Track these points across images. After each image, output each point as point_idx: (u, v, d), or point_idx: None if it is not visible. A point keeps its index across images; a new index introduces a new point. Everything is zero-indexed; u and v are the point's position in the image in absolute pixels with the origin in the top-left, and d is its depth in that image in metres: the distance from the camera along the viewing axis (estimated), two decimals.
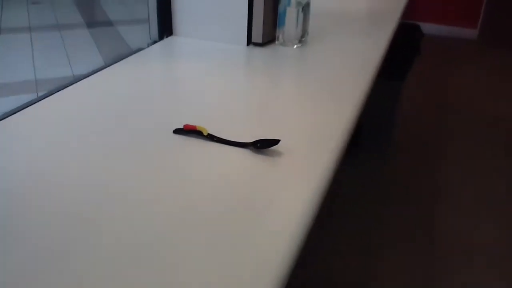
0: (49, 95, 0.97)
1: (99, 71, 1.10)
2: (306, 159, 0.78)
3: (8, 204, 0.64)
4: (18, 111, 0.90)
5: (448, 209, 2.33)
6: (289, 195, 0.68)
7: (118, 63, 1.16)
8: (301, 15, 1.31)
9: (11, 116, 0.88)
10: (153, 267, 0.54)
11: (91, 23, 4.59)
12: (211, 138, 0.82)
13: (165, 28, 1.34)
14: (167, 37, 1.35)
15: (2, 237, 0.57)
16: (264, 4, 1.26)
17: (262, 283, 0.52)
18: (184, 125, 0.83)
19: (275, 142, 0.79)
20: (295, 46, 1.33)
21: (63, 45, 3.95)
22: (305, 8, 1.32)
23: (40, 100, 0.95)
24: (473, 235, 2.14)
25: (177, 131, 0.84)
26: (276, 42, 1.35)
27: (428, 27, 5.17)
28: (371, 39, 1.46)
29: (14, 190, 0.67)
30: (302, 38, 1.34)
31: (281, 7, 1.31)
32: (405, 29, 2.83)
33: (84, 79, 1.06)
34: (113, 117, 0.90)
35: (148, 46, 1.29)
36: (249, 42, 1.30)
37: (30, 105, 0.93)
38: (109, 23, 4.59)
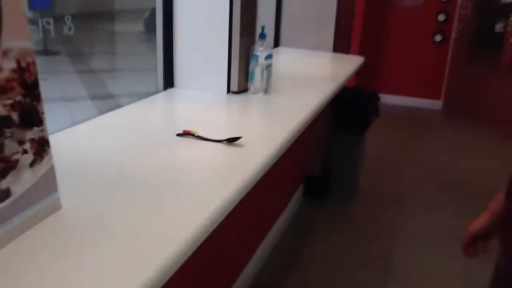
0: (102, 115, 1.48)
1: (125, 105, 1.62)
2: (256, 148, 1.28)
3: (110, 169, 1.12)
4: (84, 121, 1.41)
5: (407, 245, 2.79)
6: (245, 167, 1.17)
7: (137, 102, 1.68)
8: (265, 73, 1.86)
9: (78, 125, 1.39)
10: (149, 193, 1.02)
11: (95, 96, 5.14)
12: (200, 138, 1.32)
13: (168, 82, 1.88)
14: (170, 88, 1.89)
15: (117, 178, 1.06)
16: (239, 65, 1.82)
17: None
18: (183, 130, 1.34)
19: (238, 138, 1.29)
20: (261, 94, 1.87)
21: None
22: (268, 68, 1.87)
23: (98, 116, 1.46)
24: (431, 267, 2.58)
25: (179, 135, 1.34)
26: (248, 91, 1.89)
27: (395, 99, 5.84)
28: (315, 91, 2.01)
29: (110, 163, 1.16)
30: (266, 89, 1.89)
31: (251, 67, 1.86)
32: (364, 94, 3.42)
33: (122, 108, 1.57)
34: (141, 127, 1.40)
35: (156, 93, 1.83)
36: (228, 91, 1.84)
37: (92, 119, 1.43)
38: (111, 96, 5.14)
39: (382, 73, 5.85)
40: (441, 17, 5.54)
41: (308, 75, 2.40)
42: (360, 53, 4.11)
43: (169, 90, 1.87)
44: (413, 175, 3.75)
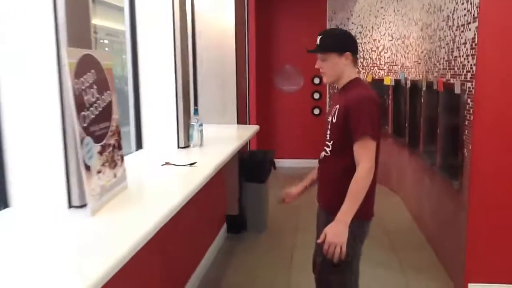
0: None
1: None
2: (202, 164, 2.46)
3: None
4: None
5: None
6: (196, 174, 2.35)
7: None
8: (199, 134, 3.09)
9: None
10: None
11: None
12: (174, 164, 2.48)
13: (139, 144, 3.02)
14: (140, 149, 3.03)
15: None
16: (183, 131, 3.02)
17: None
18: (165, 162, 2.50)
19: (195, 162, 2.47)
20: (197, 147, 3.08)
21: None
22: (201, 132, 3.10)
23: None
24: None
25: (162, 164, 2.49)
26: (190, 145, 3.09)
27: (288, 162, 7.25)
28: (229, 144, 3.26)
29: None
30: (200, 144, 3.10)
31: (190, 131, 3.08)
32: (263, 152, 4.74)
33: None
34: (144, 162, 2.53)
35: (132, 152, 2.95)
36: (178, 146, 3.03)
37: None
38: None
39: (276, 140, 7.31)
40: (316, 96, 7.24)
41: (223, 137, 3.67)
42: (257, 123, 5.49)
43: (140, 150, 3.01)
44: (307, 211, 5.04)
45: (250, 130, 4.21)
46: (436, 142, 3.84)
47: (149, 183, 2.23)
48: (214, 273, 3.57)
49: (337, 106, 2.14)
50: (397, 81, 5.48)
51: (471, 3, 3.01)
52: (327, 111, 2.37)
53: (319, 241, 2.01)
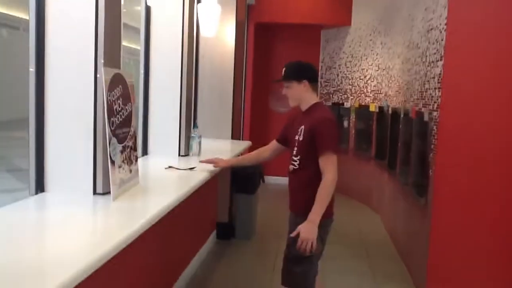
0: None
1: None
2: (203, 173, 2.88)
3: None
4: None
5: None
6: (191, 178, 2.77)
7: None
8: (198, 145, 3.51)
9: None
10: None
11: None
12: (178, 168, 2.90)
13: (145, 151, 3.43)
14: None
15: None
16: (185, 142, 3.44)
17: None
18: (169, 166, 2.91)
19: (194, 167, 2.89)
20: (195, 156, 3.50)
21: None
22: (200, 143, 3.53)
23: None
24: None
25: (167, 168, 2.90)
26: (189, 154, 3.51)
27: (278, 179, 7.64)
28: (223, 155, 3.68)
29: None
30: (199, 154, 3.52)
31: (191, 142, 3.50)
32: (252, 166, 5.16)
33: None
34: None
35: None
36: (179, 154, 3.44)
37: None
38: None
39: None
40: None
41: (218, 150, 4.09)
42: (250, 139, 5.92)
43: (145, 156, 3.42)
44: None
45: (243, 145, 4.65)
46: (409, 164, 4.29)
47: (155, 180, 2.64)
48: (201, 275, 3.92)
49: (302, 126, 2.55)
50: (381, 108, 5.96)
51: (439, 44, 3.49)
52: (286, 127, 2.81)
53: (292, 235, 2.42)
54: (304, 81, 2.58)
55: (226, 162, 3.15)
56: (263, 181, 5.22)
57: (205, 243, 4.37)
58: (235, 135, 5.15)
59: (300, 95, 2.60)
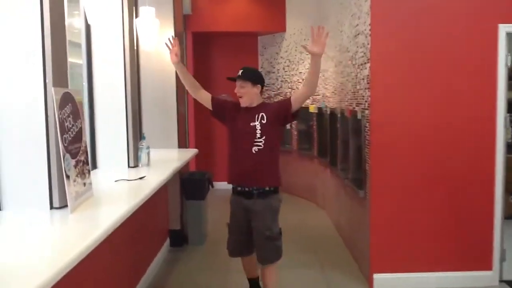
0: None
1: None
2: (152, 174, 3.00)
3: None
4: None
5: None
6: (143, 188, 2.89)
7: None
8: (147, 155, 3.61)
9: None
10: None
11: None
12: (130, 180, 2.99)
13: (94, 165, 3.49)
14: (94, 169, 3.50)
15: None
16: (133, 154, 3.53)
17: None
18: (119, 178, 3.00)
19: (144, 176, 3.00)
20: (145, 166, 3.60)
21: None
22: (149, 153, 3.63)
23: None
24: None
25: (117, 180, 2.99)
26: (139, 165, 3.60)
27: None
28: (171, 164, 3.80)
29: None
30: (148, 163, 3.62)
31: (139, 153, 3.59)
32: (201, 173, 5.29)
33: None
34: None
35: None
36: (129, 166, 3.53)
37: None
38: None
39: (214, 161, 7.87)
40: None
41: (166, 159, 4.21)
42: (196, 147, 6.05)
43: (95, 170, 3.48)
44: None
45: (190, 153, 4.77)
46: (348, 160, 4.58)
47: (108, 193, 2.73)
48: (158, 283, 4.00)
49: (262, 113, 3.02)
50: (320, 109, 6.27)
51: (366, 48, 3.79)
52: (227, 109, 3.27)
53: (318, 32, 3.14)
54: (258, 85, 3.08)
55: (178, 60, 3.28)
56: (212, 186, 5.37)
57: (159, 252, 4.45)
58: (181, 143, 5.27)
59: (253, 96, 3.07)
